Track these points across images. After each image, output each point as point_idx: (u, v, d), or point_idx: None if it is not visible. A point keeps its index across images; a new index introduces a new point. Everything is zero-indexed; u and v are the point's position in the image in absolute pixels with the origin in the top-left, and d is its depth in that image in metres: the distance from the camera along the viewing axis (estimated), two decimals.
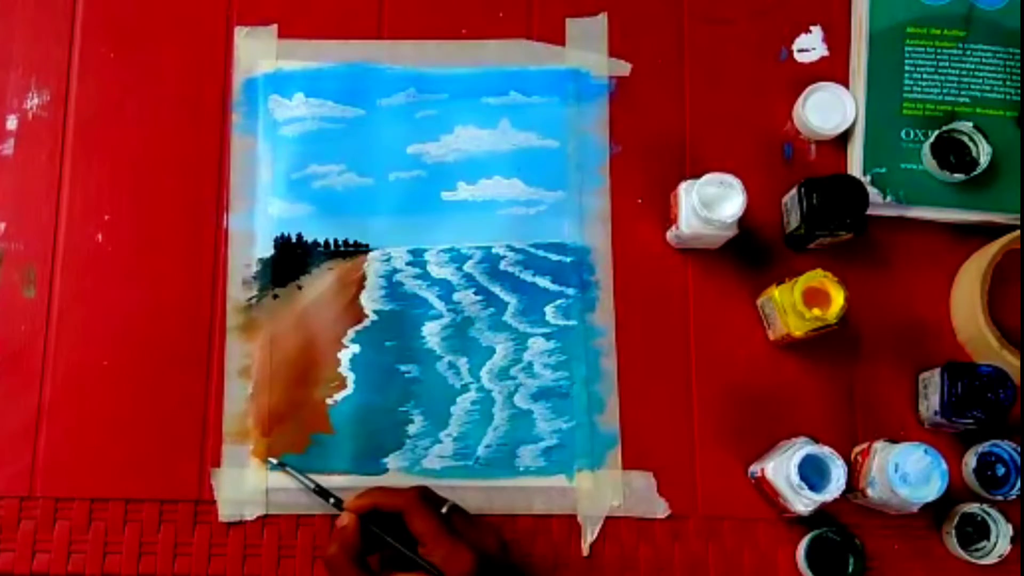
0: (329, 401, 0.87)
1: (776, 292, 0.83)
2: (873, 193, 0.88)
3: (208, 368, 0.87)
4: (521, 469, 0.86)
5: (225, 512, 0.85)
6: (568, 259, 0.89)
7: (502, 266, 0.89)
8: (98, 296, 0.88)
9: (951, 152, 0.88)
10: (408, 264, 0.89)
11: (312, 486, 0.82)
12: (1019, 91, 0.90)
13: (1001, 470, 0.84)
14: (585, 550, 0.85)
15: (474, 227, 0.90)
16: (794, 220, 0.87)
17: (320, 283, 0.89)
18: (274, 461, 0.85)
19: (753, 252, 0.89)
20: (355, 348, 0.87)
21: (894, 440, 0.81)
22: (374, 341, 0.87)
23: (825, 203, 0.84)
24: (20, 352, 0.87)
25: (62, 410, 0.86)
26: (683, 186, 0.86)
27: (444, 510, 0.76)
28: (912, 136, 0.89)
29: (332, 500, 0.81)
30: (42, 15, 0.92)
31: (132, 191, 0.90)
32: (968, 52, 0.90)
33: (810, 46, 0.93)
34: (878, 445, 0.82)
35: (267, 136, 0.91)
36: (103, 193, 0.90)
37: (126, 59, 0.92)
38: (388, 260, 0.89)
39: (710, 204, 0.83)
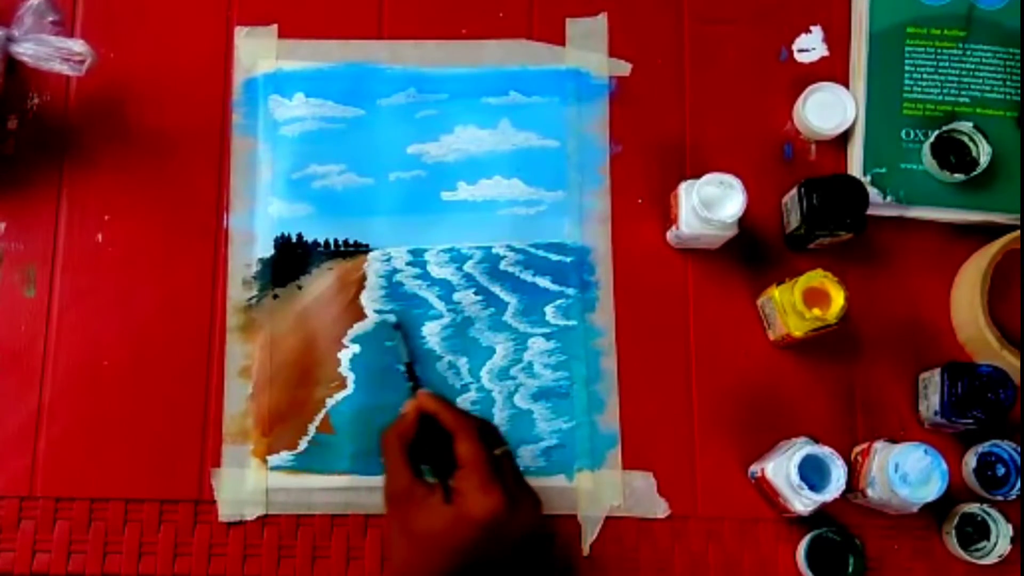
0: (329, 401, 0.87)
1: (776, 292, 0.83)
2: (873, 193, 0.88)
3: (208, 368, 0.87)
4: (521, 469, 0.86)
5: (225, 512, 0.85)
6: (568, 259, 0.89)
7: (502, 266, 0.89)
8: (98, 296, 0.88)
9: (951, 152, 0.88)
10: (408, 264, 0.89)
11: (407, 360, 0.84)
12: (1019, 91, 0.90)
13: (1001, 470, 0.84)
14: (585, 550, 0.85)
15: (474, 227, 0.90)
16: (794, 220, 0.87)
17: (320, 283, 0.89)
18: (393, 319, 0.87)
19: (753, 252, 0.90)
20: (355, 348, 0.87)
21: (894, 440, 0.81)
22: (374, 341, 0.87)
23: (825, 203, 0.84)
24: (20, 352, 0.87)
25: (62, 410, 0.86)
26: (683, 186, 0.86)
27: (497, 452, 0.76)
28: (912, 136, 0.89)
29: (411, 384, 0.83)
30: None
31: (132, 191, 0.90)
32: (968, 52, 0.90)
33: (810, 46, 0.93)
34: (878, 445, 0.82)
35: (267, 136, 0.91)
36: (103, 193, 0.90)
37: (126, 59, 0.92)
38: (388, 260, 0.89)
39: (710, 204, 0.83)
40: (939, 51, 0.90)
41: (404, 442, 0.77)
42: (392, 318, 0.87)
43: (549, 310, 0.89)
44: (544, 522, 0.78)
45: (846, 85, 0.91)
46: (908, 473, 0.78)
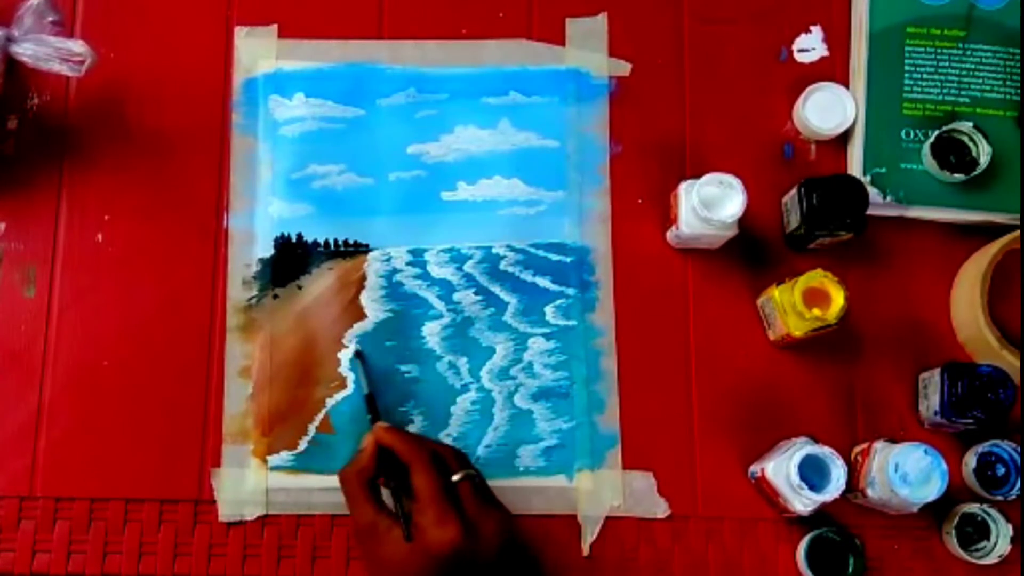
0: (329, 401, 0.87)
1: (776, 292, 0.83)
2: (873, 193, 0.88)
3: (208, 368, 0.87)
4: (521, 469, 0.86)
5: (225, 512, 0.85)
6: (568, 259, 0.89)
7: (502, 266, 0.89)
8: (98, 296, 0.88)
9: (951, 152, 0.88)
10: (408, 264, 0.89)
11: (367, 391, 0.82)
12: (1019, 91, 0.90)
13: (1001, 470, 0.84)
14: (585, 550, 0.85)
15: (474, 227, 0.90)
16: (794, 220, 0.87)
17: (320, 283, 0.89)
18: (354, 349, 0.86)
19: (753, 252, 0.89)
20: (355, 348, 0.87)
21: (894, 440, 0.81)
22: (374, 341, 0.87)
23: (825, 203, 0.84)
24: (20, 352, 0.87)
25: (62, 410, 0.86)
26: (683, 186, 0.86)
27: (455, 479, 0.75)
28: (912, 136, 0.89)
29: (371, 417, 0.81)
30: None
31: (132, 191, 0.90)
32: (968, 52, 0.90)
33: (810, 46, 0.93)
34: (878, 445, 0.82)
35: (267, 136, 0.91)
36: (103, 193, 0.90)
37: (126, 59, 0.92)
38: (388, 260, 0.89)
39: (710, 204, 0.83)
40: (939, 51, 0.90)
41: (364, 477, 0.76)
42: (353, 346, 0.86)
43: (549, 310, 0.89)
44: (514, 538, 0.76)
45: (846, 85, 0.91)
46: (908, 473, 0.78)
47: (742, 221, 0.84)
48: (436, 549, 0.72)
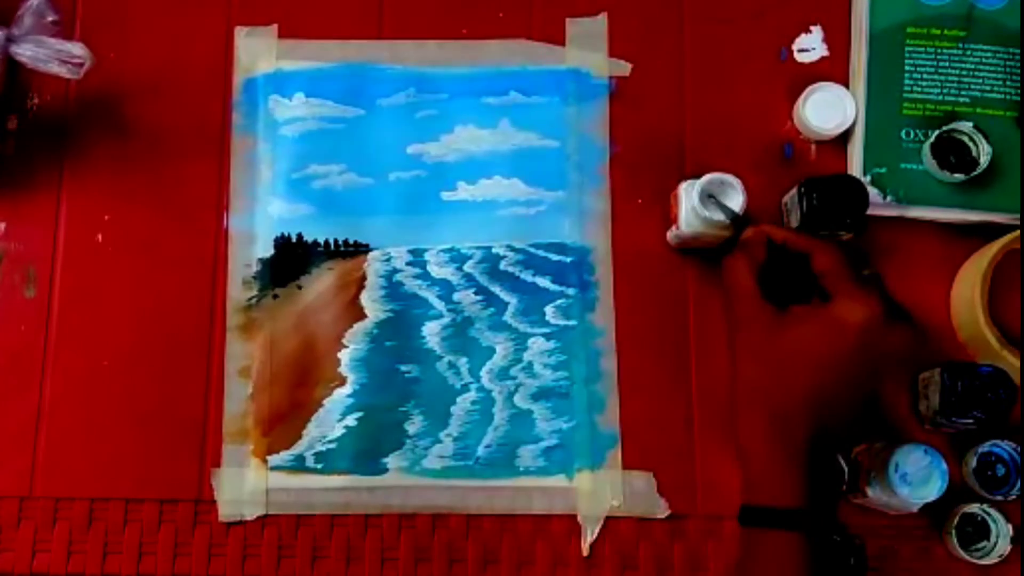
0: (329, 401, 0.86)
1: None
2: (873, 193, 0.88)
3: (208, 368, 0.87)
4: (521, 469, 0.86)
5: (225, 512, 0.85)
6: (568, 259, 0.89)
7: (502, 266, 0.89)
8: (98, 296, 0.88)
9: (951, 152, 0.88)
10: (408, 264, 0.89)
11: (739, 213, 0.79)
12: (1019, 91, 0.90)
13: (1001, 470, 0.84)
14: (585, 550, 0.85)
15: (474, 227, 0.90)
16: (794, 220, 0.87)
17: (320, 283, 0.89)
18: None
19: None
20: (355, 348, 0.87)
21: (894, 440, 0.81)
22: (374, 341, 0.87)
23: (825, 203, 0.84)
24: (20, 352, 0.87)
25: (62, 410, 0.86)
26: (683, 186, 0.86)
27: (866, 272, 0.71)
28: (912, 136, 0.89)
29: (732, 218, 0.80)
30: None
31: (132, 191, 0.90)
32: (968, 52, 0.90)
33: (810, 46, 0.93)
34: (878, 445, 0.82)
35: (267, 136, 0.91)
36: (103, 193, 0.90)
37: (126, 59, 0.92)
38: (388, 260, 0.89)
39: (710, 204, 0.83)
40: (939, 51, 0.90)
41: (754, 265, 0.74)
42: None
43: (549, 310, 0.89)
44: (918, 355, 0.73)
45: (846, 85, 0.91)
46: (908, 473, 0.78)
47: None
48: (850, 318, 0.66)
